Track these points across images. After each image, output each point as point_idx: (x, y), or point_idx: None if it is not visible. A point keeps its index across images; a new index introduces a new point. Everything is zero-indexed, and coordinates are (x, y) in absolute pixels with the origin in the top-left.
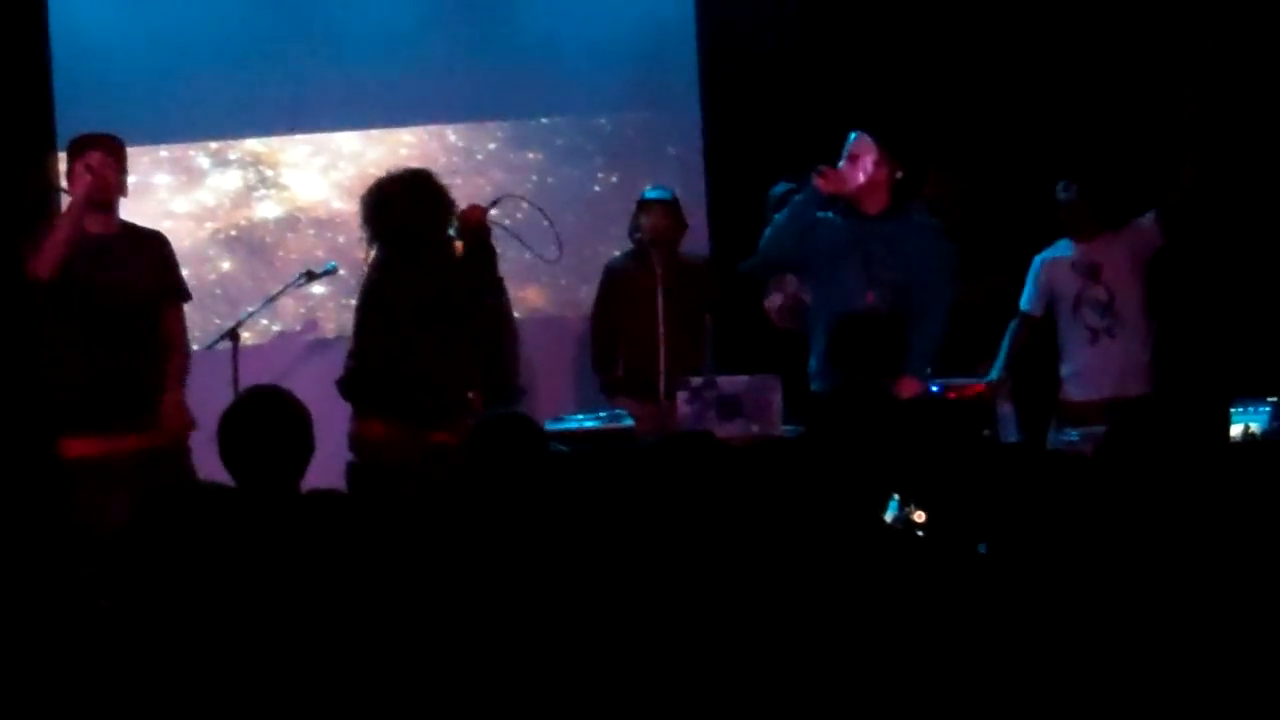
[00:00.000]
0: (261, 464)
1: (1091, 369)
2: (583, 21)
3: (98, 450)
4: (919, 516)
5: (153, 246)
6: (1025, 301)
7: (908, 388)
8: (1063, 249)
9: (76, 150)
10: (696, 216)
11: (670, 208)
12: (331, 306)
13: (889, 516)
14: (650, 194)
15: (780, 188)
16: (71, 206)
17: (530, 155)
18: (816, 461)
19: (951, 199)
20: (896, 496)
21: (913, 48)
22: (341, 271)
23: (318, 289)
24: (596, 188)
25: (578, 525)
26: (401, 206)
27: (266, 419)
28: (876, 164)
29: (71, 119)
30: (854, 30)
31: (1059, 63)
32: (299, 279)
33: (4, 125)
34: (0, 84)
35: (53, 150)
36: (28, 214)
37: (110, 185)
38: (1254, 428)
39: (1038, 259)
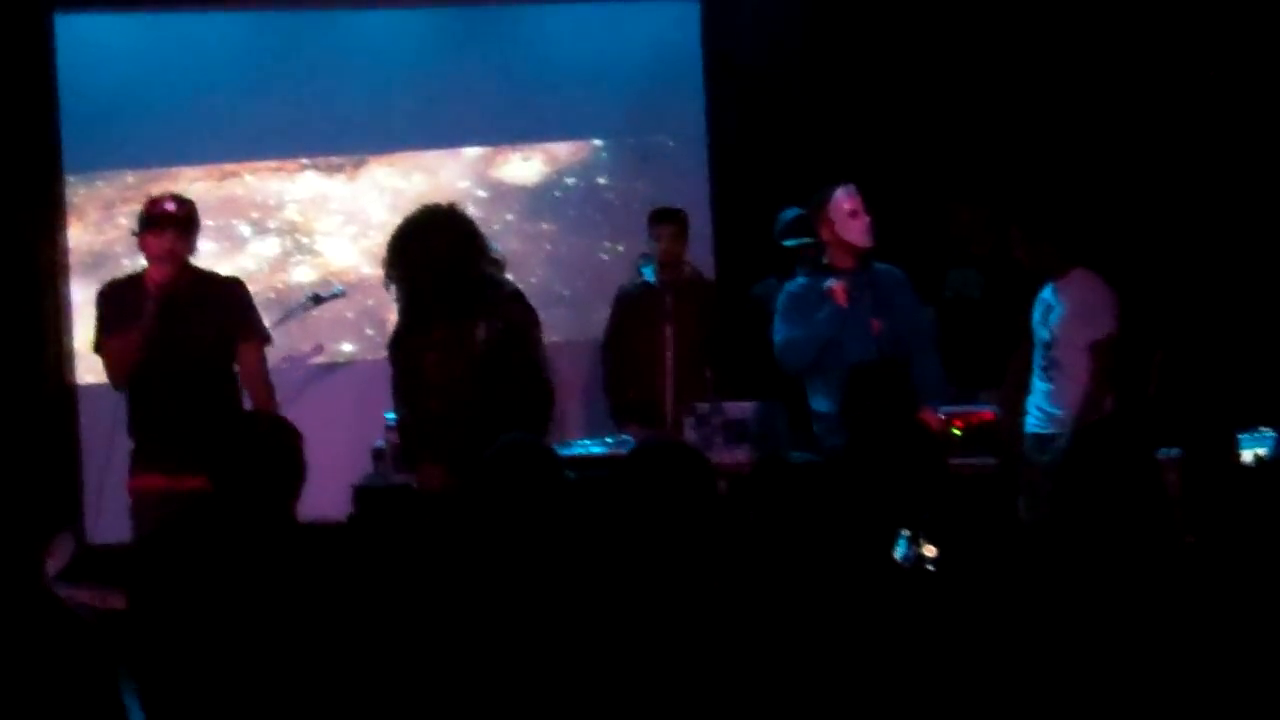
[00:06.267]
0: (249, 487)
1: (1041, 404)
2: (588, 48)
3: (162, 486)
4: (930, 551)
5: (224, 292)
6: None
7: (929, 421)
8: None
9: (150, 225)
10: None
11: (682, 229)
12: (338, 331)
13: (898, 553)
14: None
15: (788, 214)
16: (146, 316)
17: (544, 226)
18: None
19: (976, 228)
20: (906, 533)
21: (922, 69)
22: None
23: (321, 313)
24: (604, 256)
25: (583, 551)
26: None
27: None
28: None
29: (83, 143)
30: (861, 57)
31: (1070, 85)
32: (305, 301)
33: (10, 151)
34: (6, 111)
35: (58, 176)
36: (33, 236)
37: (179, 261)
38: (1261, 453)
39: None
